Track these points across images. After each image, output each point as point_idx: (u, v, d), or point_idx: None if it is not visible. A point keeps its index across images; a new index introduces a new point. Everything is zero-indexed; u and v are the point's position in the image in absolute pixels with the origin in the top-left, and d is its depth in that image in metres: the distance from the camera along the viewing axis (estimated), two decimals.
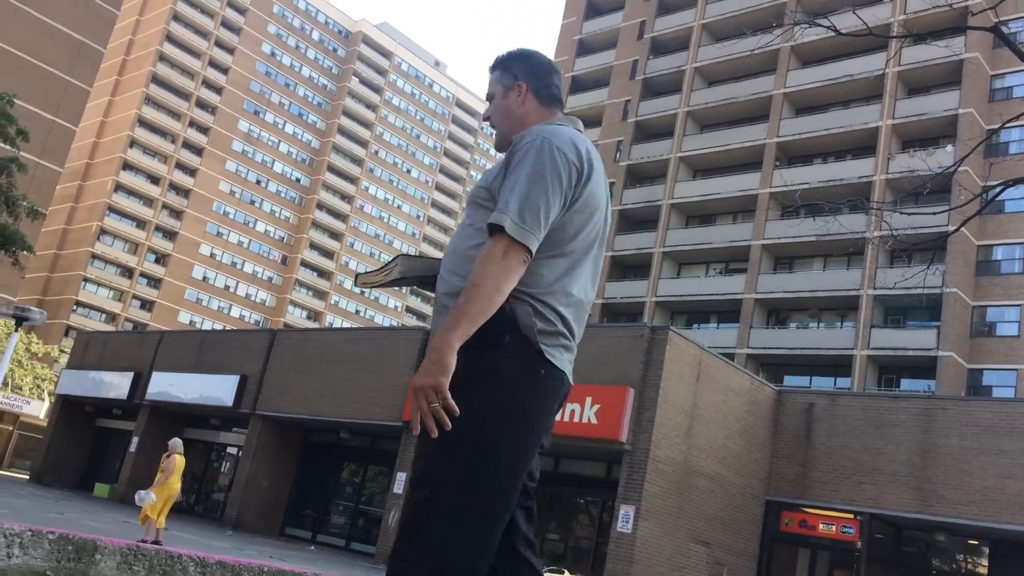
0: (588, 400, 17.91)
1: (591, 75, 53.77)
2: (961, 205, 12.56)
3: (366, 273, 2.87)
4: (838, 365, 36.59)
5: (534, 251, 2.17)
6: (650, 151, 46.92)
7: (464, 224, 2.40)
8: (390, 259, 2.70)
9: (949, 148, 35.23)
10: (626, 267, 46.37)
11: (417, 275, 2.62)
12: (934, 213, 12.47)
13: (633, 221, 46.93)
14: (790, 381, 36.41)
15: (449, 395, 2.01)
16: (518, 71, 2.52)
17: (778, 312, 40.74)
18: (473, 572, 2.05)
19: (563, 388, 2.27)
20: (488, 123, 2.61)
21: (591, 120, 53.09)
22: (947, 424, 18.77)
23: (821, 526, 19.72)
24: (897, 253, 33.44)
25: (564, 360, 2.25)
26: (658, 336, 18.15)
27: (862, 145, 39.87)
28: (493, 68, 2.57)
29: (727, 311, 41.31)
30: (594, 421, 17.71)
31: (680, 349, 18.36)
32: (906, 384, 35.33)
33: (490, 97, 2.58)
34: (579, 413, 17.92)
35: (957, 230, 13.63)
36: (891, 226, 12.53)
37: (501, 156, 2.45)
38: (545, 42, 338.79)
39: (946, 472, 18.33)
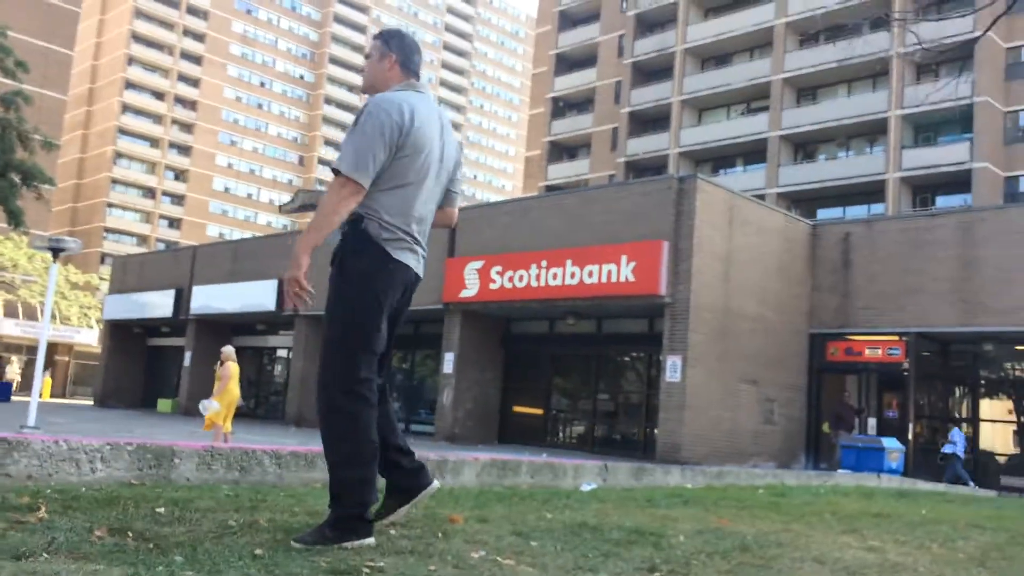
0: (623, 258, 17.90)
1: None
2: (987, 5, 11.95)
3: (284, 204, 4.63)
4: (871, 192, 36.07)
5: (365, 184, 3.10)
6: None
7: None
8: (295, 194, 4.04)
9: None
10: (645, 121, 45.42)
11: (312, 202, 4.34)
12: (961, 16, 11.91)
13: (647, 72, 45.63)
14: (824, 215, 36.05)
15: (305, 283, 3.10)
16: (393, 47, 3.41)
17: (805, 146, 39.94)
18: (352, 377, 3.14)
19: (409, 275, 3.32)
20: (363, 73, 3.51)
21: None
22: (987, 235, 18.55)
23: (867, 351, 19.88)
24: (925, 68, 32.32)
25: (409, 258, 3.28)
26: (686, 186, 17.93)
27: None
28: (377, 36, 3.46)
29: (753, 152, 40.59)
30: (631, 279, 17.75)
31: (710, 195, 18.15)
32: (942, 201, 34.83)
33: (367, 56, 3.47)
34: (616, 272, 17.96)
35: (986, 32, 13.01)
36: (917, 36, 11.96)
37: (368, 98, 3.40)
38: None
39: (989, 282, 18.24)
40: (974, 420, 20.46)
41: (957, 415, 21.09)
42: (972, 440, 20.18)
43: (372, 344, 3.19)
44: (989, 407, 20.66)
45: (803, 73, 38.67)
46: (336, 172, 3.10)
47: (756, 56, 41.76)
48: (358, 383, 3.14)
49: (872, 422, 19.72)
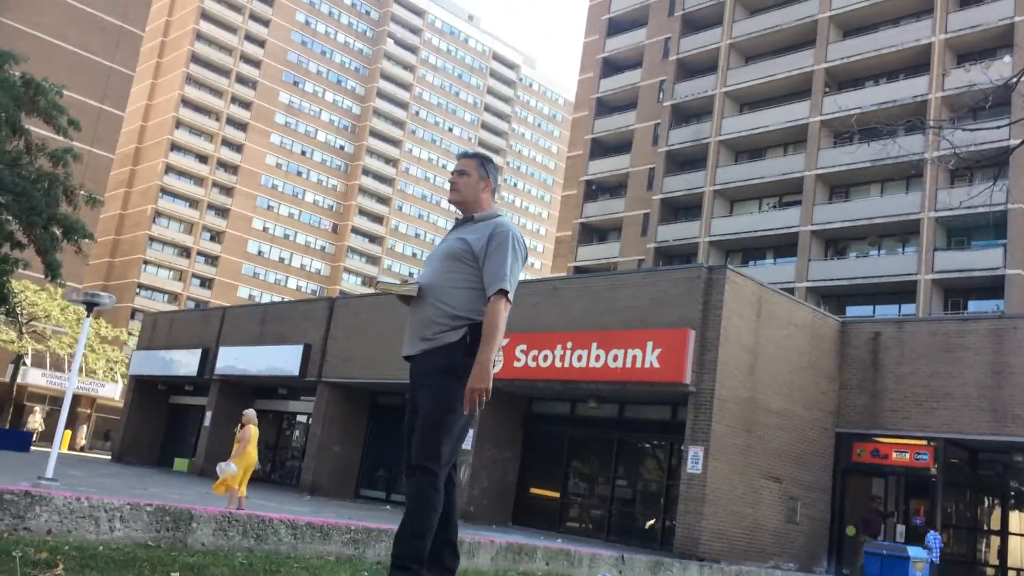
0: (649, 344, 17.83)
1: (627, 16, 52.77)
2: (1022, 118, 12.04)
3: (386, 282, 4.07)
4: (902, 292, 35.84)
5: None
6: (694, 88, 45.98)
7: (443, 269, 3.91)
8: (409, 282, 3.98)
9: (1007, 59, 33.81)
10: (677, 208, 45.80)
11: (409, 294, 3.94)
12: (996, 127, 12.02)
13: (681, 161, 46.20)
14: (853, 312, 35.79)
15: (490, 390, 3.66)
16: (490, 173, 4.08)
17: (836, 242, 39.95)
18: (449, 466, 3.83)
19: None
20: (452, 184, 4.05)
21: (631, 62, 52.14)
22: (1019, 343, 18.29)
23: (894, 454, 19.48)
24: (958, 172, 32.47)
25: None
26: (716, 276, 17.94)
27: (915, 63, 38.55)
28: (472, 156, 4.08)
29: (783, 245, 40.64)
30: (656, 365, 17.65)
31: (739, 287, 18.14)
32: (973, 306, 34.50)
33: (460, 171, 4.03)
34: (641, 358, 17.87)
35: (1021, 143, 13.11)
36: (952, 143, 12.06)
37: (457, 210, 4.08)
38: None
39: (1020, 392, 17.90)
40: (1003, 532, 19.85)
41: (985, 526, 20.49)
42: (1001, 553, 19.55)
43: (464, 438, 3.88)
44: (1018, 519, 20.07)
45: (836, 170, 38.94)
46: (499, 292, 3.77)
47: (790, 151, 42.19)
48: (448, 470, 3.79)
49: (901, 529, 19.17)
